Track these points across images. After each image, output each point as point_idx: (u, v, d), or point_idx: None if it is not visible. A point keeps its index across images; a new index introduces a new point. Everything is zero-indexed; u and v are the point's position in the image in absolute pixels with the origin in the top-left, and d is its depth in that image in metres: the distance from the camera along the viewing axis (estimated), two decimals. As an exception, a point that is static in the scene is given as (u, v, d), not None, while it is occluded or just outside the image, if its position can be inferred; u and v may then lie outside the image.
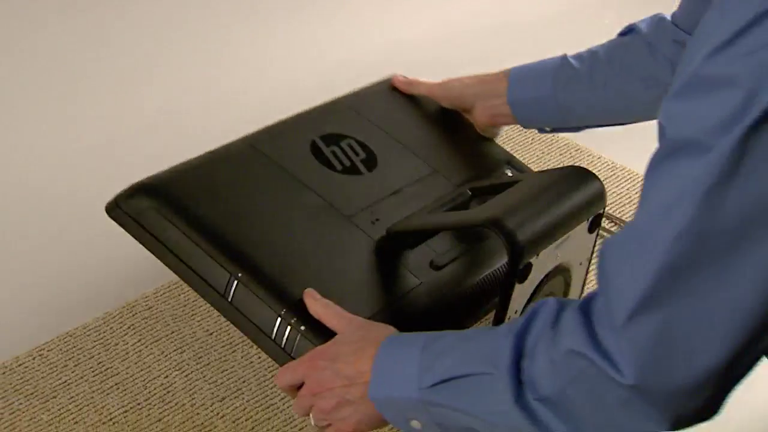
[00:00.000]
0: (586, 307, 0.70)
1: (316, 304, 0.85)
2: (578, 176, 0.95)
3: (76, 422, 1.00)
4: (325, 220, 0.94)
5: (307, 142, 1.02)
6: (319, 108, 1.09)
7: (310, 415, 0.83)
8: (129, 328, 1.10)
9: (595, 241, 0.97)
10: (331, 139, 1.03)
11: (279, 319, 0.85)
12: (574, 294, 0.98)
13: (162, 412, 1.01)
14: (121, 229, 1.25)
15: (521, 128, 1.19)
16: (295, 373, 0.83)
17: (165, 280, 1.16)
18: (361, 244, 0.94)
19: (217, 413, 1.00)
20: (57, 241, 1.24)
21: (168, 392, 1.03)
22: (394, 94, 1.15)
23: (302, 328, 0.85)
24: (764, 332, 0.64)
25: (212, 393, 1.02)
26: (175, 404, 1.01)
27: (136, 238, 0.91)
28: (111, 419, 1.00)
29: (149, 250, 0.90)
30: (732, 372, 0.65)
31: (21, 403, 1.01)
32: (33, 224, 1.27)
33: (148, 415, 1.00)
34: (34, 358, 1.06)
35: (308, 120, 1.06)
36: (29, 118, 1.44)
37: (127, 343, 1.08)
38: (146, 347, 1.08)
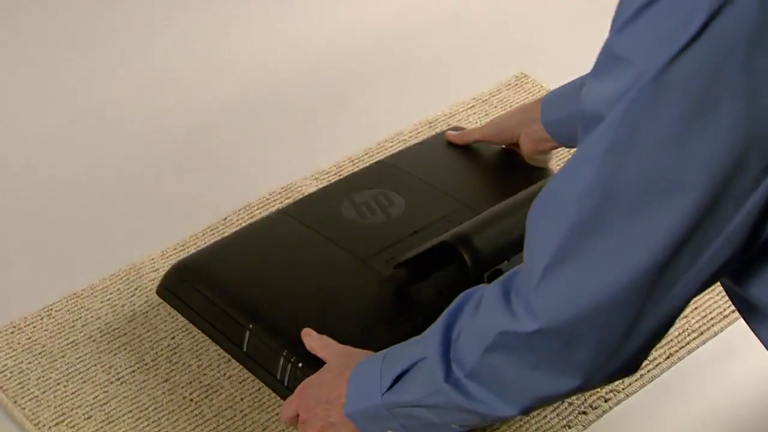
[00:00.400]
0: (506, 282, 0.75)
1: (311, 340, 0.94)
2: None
3: (84, 381, 1.01)
4: (339, 265, 1.02)
5: (339, 201, 1.10)
6: (360, 170, 1.18)
7: None
8: (136, 289, 1.11)
9: None
10: (363, 195, 1.11)
11: (282, 360, 0.95)
12: None
13: (169, 372, 1.02)
14: (129, 193, 1.26)
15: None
16: (291, 405, 0.91)
17: (171, 243, 1.16)
18: (372, 283, 1.01)
19: (224, 374, 1.01)
20: (63, 202, 1.24)
21: (175, 353, 1.04)
22: (440, 146, 1.20)
23: (300, 364, 0.94)
24: (662, 298, 0.68)
25: (219, 354, 1.03)
26: (182, 365, 1.02)
27: (177, 310, 1.05)
28: (119, 379, 1.01)
29: (186, 317, 1.04)
30: (635, 331, 0.70)
31: (30, 362, 1.02)
32: (39, 185, 1.27)
33: (155, 375, 1.02)
34: (41, 318, 1.07)
35: (345, 182, 1.15)
36: (28, 79, 1.44)
37: (134, 305, 1.09)
38: (153, 308, 1.09)
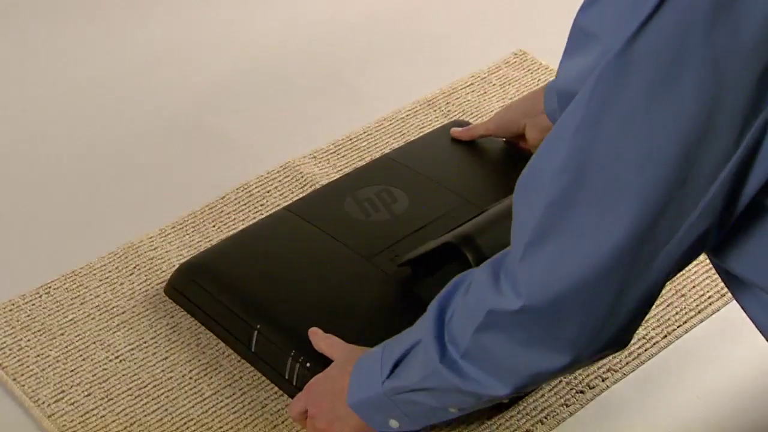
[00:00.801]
0: (496, 260, 0.76)
1: (317, 338, 0.95)
2: None
3: (84, 359, 1.01)
4: (344, 264, 1.03)
5: (343, 198, 1.10)
6: (363, 166, 1.17)
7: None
8: (134, 268, 1.11)
9: None
10: (366, 191, 1.11)
11: (290, 359, 0.96)
12: None
13: (168, 350, 1.02)
14: (126, 171, 1.26)
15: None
16: (299, 402, 0.92)
17: (169, 221, 1.16)
18: (377, 281, 1.01)
19: (223, 352, 1.02)
20: (61, 180, 1.24)
21: (174, 331, 1.04)
22: (443, 141, 1.19)
23: (308, 364, 0.95)
24: (642, 273, 0.69)
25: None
26: (181, 343, 1.03)
27: (185, 309, 1.05)
28: (118, 357, 1.01)
29: (194, 317, 1.04)
30: (618, 307, 0.70)
31: (29, 340, 1.03)
32: (36, 163, 1.27)
33: (155, 353, 1.02)
34: (40, 296, 1.07)
35: (348, 178, 1.15)
36: (24, 56, 1.43)
37: (133, 283, 1.09)
38: (152, 287, 1.09)
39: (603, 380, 0.99)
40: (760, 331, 0.76)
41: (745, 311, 0.77)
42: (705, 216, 0.67)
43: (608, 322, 0.72)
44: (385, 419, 0.86)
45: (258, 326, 0.98)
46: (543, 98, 1.11)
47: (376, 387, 0.84)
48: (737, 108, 0.63)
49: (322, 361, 0.94)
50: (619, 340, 0.74)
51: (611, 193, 0.67)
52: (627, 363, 1.01)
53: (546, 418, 0.96)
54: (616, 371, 1.00)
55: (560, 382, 0.98)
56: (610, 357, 1.01)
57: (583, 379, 0.99)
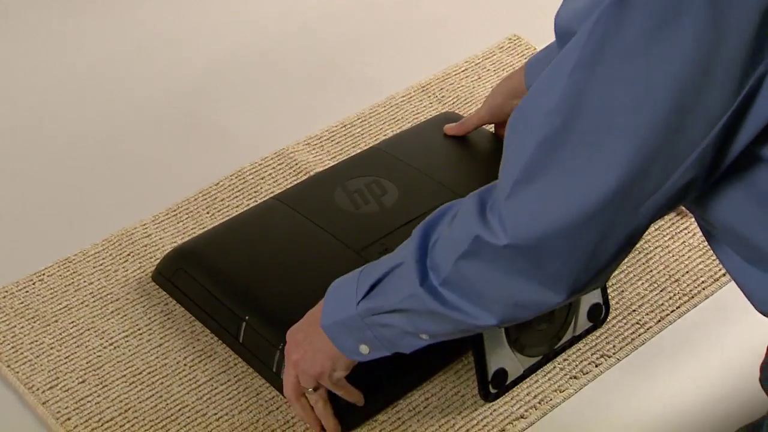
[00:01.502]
0: (484, 191, 0.76)
1: None
2: None
3: (78, 346, 1.01)
4: (334, 256, 1.02)
5: (333, 188, 1.10)
6: (353, 156, 1.17)
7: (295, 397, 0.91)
8: (128, 255, 1.11)
9: None
10: (356, 182, 1.10)
11: (278, 353, 0.95)
12: None
13: (163, 337, 1.02)
14: (120, 158, 1.26)
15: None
16: (288, 377, 0.90)
17: (163, 207, 1.16)
18: None
19: (217, 339, 1.02)
20: (54, 167, 1.24)
21: (168, 318, 1.04)
22: (434, 133, 1.19)
23: None
24: (628, 217, 0.69)
25: (212, 319, 1.04)
26: (176, 330, 1.03)
27: (172, 296, 1.05)
28: (112, 343, 1.01)
29: (181, 304, 1.04)
30: (601, 249, 0.71)
31: (23, 327, 1.03)
32: (30, 150, 1.26)
33: (149, 340, 1.02)
34: (34, 283, 1.07)
35: (338, 169, 1.14)
36: (17, 42, 1.43)
37: (127, 270, 1.09)
38: (146, 274, 1.08)
39: (596, 366, 0.99)
40: (735, 281, 0.76)
41: (721, 262, 0.77)
42: (695, 165, 0.67)
43: (591, 263, 0.72)
44: (356, 344, 0.86)
45: (246, 317, 0.98)
46: (525, 76, 1.10)
47: (350, 308, 0.84)
48: (736, 57, 0.62)
49: None
50: (599, 279, 0.75)
51: (603, 136, 0.66)
52: (621, 348, 1.01)
53: (540, 403, 0.96)
54: (609, 356, 1.00)
55: (554, 367, 0.99)
56: (604, 342, 1.01)
57: (577, 365, 0.99)
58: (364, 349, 0.85)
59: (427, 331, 0.83)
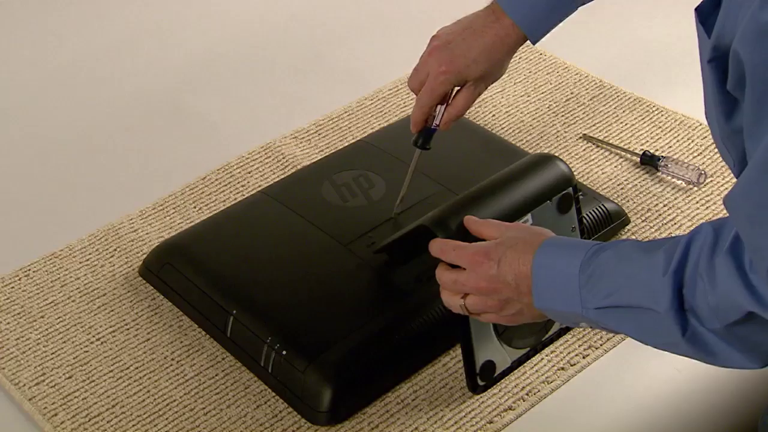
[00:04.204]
0: (736, 251, 0.70)
1: (472, 223, 0.89)
2: (532, 164, 0.98)
3: (65, 341, 1.00)
4: (321, 250, 1.02)
5: (320, 182, 1.10)
6: (340, 150, 1.17)
7: (455, 301, 0.87)
8: (115, 249, 1.10)
9: (580, 219, 0.99)
10: (343, 176, 1.11)
11: (266, 347, 0.95)
12: None
13: (150, 332, 1.02)
14: (106, 152, 1.25)
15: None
16: (457, 257, 0.86)
17: (150, 202, 1.16)
18: (354, 268, 1.01)
19: (205, 334, 1.01)
20: (39, 162, 1.23)
21: (155, 313, 1.03)
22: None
23: (284, 352, 0.94)
24: None
25: (199, 314, 1.03)
26: (163, 324, 1.02)
27: (159, 291, 1.05)
28: (99, 339, 1.01)
29: (168, 299, 1.04)
30: None
31: (9, 323, 1.02)
32: (14, 145, 1.26)
33: (136, 335, 1.01)
34: (20, 279, 1.07)
35: (325, 162, 1.14)
36: (1, 35, 1.42)
37: (114, 265, 1.09)
38: (133, 269, 1.08)
39: (584, 357, 0.99)
40: None
41: None
42: None
43: None
44: (576, 323, 0.83)
45: (234, 312, 0.98)
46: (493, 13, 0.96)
47: (574, 307, 0.80)
48: None
49: (299, 350, 0.94)
50: None
51: None
52: (608, 339, 1.01)
53: (527, 395, 0.96)
54: (597, 348, 1.00)
55: (541, 359, 0.99)
56: (592, 334, 1.01)
57: (564, 356, 0.99)
58: (584, 325, 0.83)
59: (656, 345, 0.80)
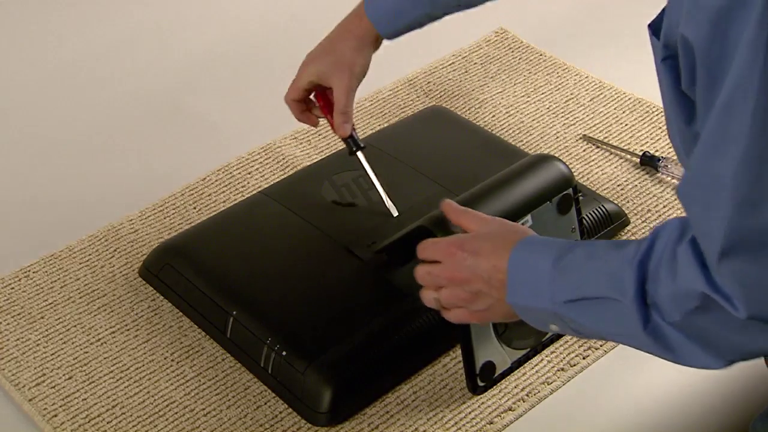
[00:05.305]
0: (696, 241, 0.71)
1: (452, 210, 0.89)
2: (532, 165, 0.98)
3: (65, 342, 1.01)
4: (321, 251, 1.03)
5: (320, 183, 1.10)
6: (341, 150, 1.15)
7: (429, 294, 0.87)
8: (115, 251, 1.10)
9: (580, 220, 0.99)
10: (343, 176, 1.10)
11: (266, 348, 0.95)
12: None
13: (150, 333, 1.02)
14: (106, 153, 1.25)
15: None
16: (433, 251, 0.86)
17: (149, 203, 1.16)
18: (354, 269, 1.01)
19: (204, 335, 1.01)
20: (39, 163, 1.23)
21: (155, 314, 1.04)
22: (420, 127, 1.19)
23: (284, 353, 0.94)
24: None
25: (199, 315, 1.03)
26: (163, 326, 1.02)
27: (159, 292, 1.05)
28: (99, 339, 1.01)
29: (168, 300, 1.04)
30: None
31: (9, 324, 1.02)
32: (15, 144, 1.26)
33: (136, 336, 1.01)
34: (19, 280, 1.07)
35: (325, 163, 1.14)
36: (2, 36, 1.42)
37: (113, 266, 1.09)
38: (132, 270, 1.08)
39: (584, 358, 0.99)
40: None
41: None
42: None
43: None
44: (546, 323, 0.82)
45: (234, 312, 0.98)
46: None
47: (544, 302, 0.79)
48: None
49: (299, 351, 0.93)
50: None
51: None
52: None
53: (527, 395, 0.96)
54: (597, 348, 1.00)
55: (541, 360, 0.99)
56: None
57: (564, 357, 0.99)
58: (554, 328, 0.82)
59: (630, 345, 0.79)
